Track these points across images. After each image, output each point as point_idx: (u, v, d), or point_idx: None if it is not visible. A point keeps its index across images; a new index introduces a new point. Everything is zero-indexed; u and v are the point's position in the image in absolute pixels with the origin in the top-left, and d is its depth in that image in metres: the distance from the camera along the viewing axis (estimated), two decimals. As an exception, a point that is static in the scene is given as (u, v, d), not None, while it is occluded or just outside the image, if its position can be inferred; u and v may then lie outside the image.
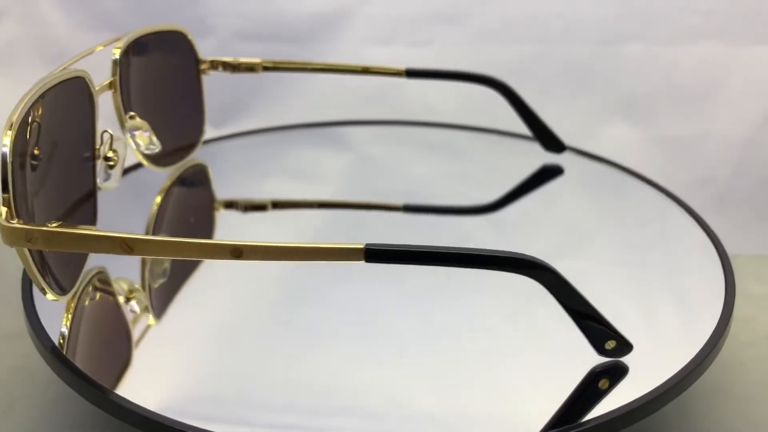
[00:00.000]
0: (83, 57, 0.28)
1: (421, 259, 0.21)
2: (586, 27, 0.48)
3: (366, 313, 0.27)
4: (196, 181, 0.37)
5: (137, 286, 0.29)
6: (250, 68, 0.35)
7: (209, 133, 0.51)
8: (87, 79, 0.26)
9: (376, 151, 0.43)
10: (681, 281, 0.30)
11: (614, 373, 0.23)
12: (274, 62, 0.35)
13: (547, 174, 0.36)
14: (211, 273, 0.30)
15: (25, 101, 0.23)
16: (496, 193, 0.36)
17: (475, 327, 0.26)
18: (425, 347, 0.25)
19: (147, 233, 0.32)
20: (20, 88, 0.55)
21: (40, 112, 0.23)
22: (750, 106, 0.48)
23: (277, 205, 0.36)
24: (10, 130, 0.22)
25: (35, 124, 0.23)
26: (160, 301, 0.29)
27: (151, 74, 0.33)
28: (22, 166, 0.22)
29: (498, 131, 0.41)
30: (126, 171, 0.32)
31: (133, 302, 0.28)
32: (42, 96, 0.23)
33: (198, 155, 0.40)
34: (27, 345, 0.30)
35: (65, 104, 0.25)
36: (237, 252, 0.21)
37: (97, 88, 0.27)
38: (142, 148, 0.30)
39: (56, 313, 0.25)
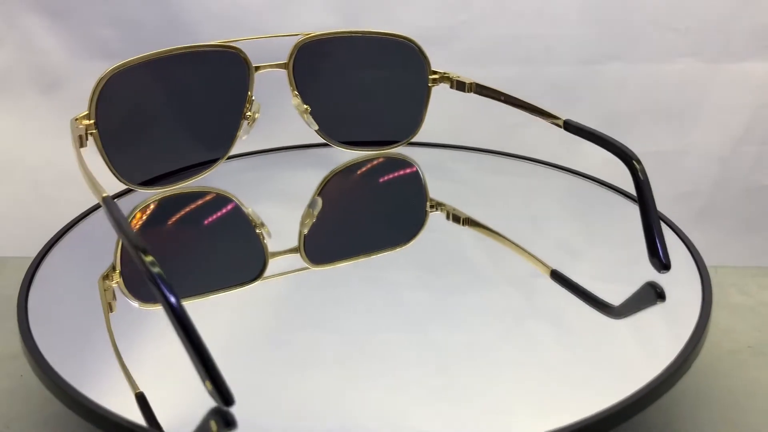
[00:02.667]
0: (279, 37, 0.37)
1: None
2: (567, 48, 0.49)
3: (361, 335, 0.27)
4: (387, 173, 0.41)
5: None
6: (461, 86, 0.39)
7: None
8: (243, 54, 0.35)
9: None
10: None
11: (223, 420, 0.22)
12: (485, 87, 0.38)
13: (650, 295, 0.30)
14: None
15: (145, 56, 0.34)
16: (485, 210, 0.37)
17: (469, 346, 0.26)
18: (420, 367, 0.25)
19: (316, 193, 0.38)
20: (15, 115, 0.56)
21: (171, 68, 0.34)
22: (728, 121, 0.49)
23: (471, 222, 0.36)
24: (106, 73, 0.33)
25: (164, 75, 0.34)
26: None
27: (351, 67, 0.39)
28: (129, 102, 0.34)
29: (482, 150, 0.42)
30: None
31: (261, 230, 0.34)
32: (177, 57, 0.34)
33: (188, 181, 0.40)
34: (21, 366, 0.31)
35: (217, 69, 0.35)
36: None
37: (255, 65, 0.36)
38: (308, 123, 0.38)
39: (50, 334, 0.26)
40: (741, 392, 0.31)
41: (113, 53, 0.52)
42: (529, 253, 0.32)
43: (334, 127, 0.39)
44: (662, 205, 0.36)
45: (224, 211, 0.37)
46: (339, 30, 0.38)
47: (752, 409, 0.30)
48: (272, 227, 0.34)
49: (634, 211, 0.35)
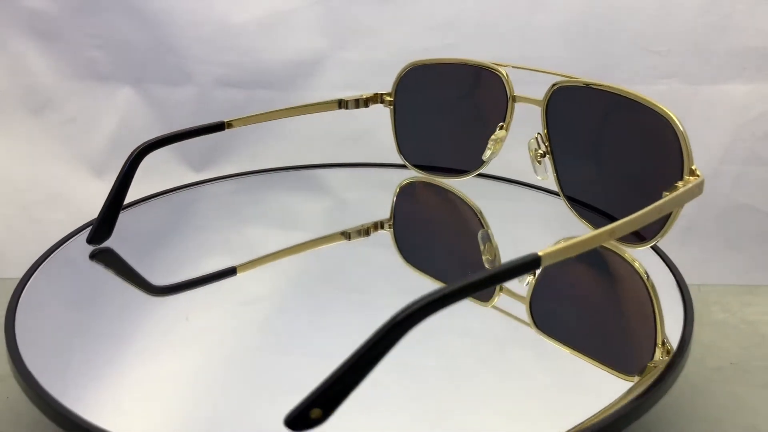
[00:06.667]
0: (539, 71, 0.36)
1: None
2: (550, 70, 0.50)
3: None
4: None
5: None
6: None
7: (188, 177, 0.52)
8: (504, 78, 0.37)
9: (352, 193, 0.44)
10: (646, 313, 0.31)
11: None
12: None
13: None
14: (195, 318, 0.30)
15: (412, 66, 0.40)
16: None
17: (450, 371, 0.27)
18: (403, 392, 0.25)
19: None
20: (4, 135, 0.56)
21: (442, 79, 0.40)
22: (709, 141, 0.50)
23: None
24: (408, 64, 0.40)
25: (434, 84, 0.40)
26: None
27: (602, 125, 0.33)
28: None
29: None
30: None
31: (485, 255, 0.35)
32: (458, 67, 0.39)
33: (175, 199, 0.41)
34: (7, 388, 0.31)
35: (484, 89, 0.38)
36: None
37: (516, 94, 0.37)
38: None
39: (37, 354, 0.26)
40: (725, 408, 0.31)
41: (102, 75, 0.52)
42: None
43: (573, 184, 0.35)
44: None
45: (467, 219, 0.40)
46: (601, 82, 0.32)
47: (736, 425, 0.30)
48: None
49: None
